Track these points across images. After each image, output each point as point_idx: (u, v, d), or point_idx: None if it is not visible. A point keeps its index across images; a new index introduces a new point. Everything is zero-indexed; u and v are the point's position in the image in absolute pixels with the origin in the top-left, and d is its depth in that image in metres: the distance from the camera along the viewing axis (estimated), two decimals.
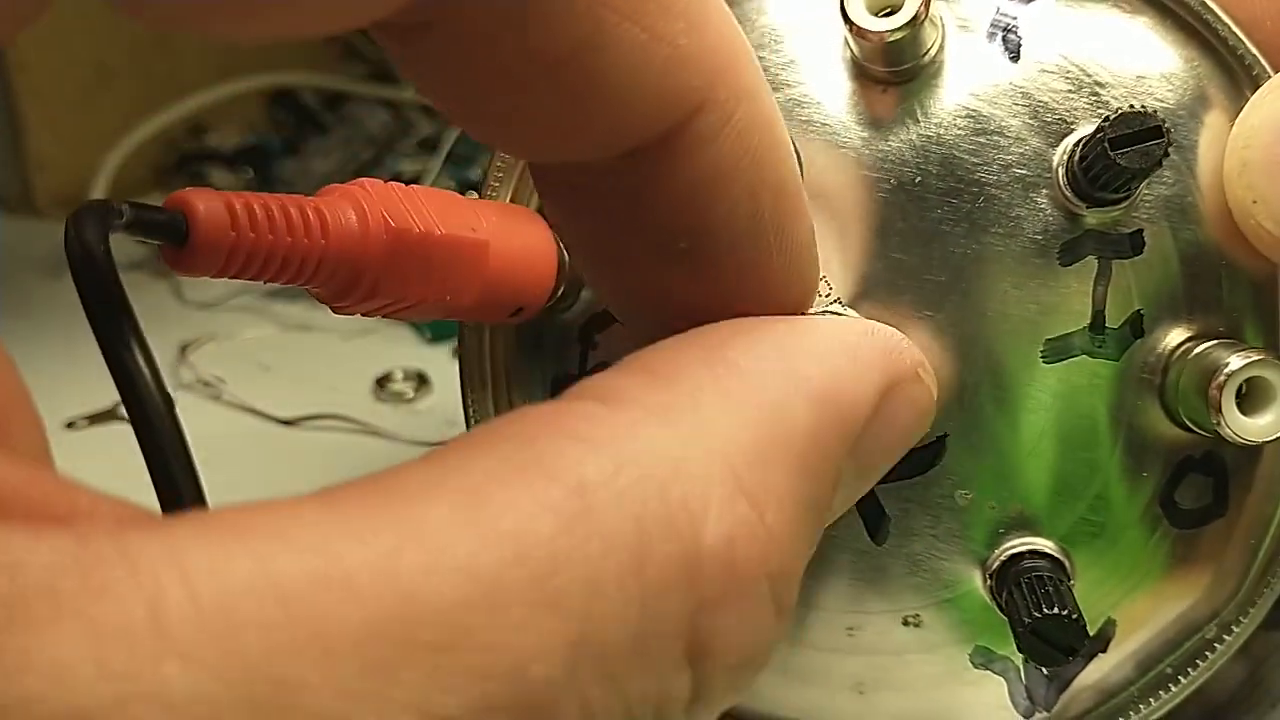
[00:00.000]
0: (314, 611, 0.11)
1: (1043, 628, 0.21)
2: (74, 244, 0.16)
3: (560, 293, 0.24)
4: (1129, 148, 0.21)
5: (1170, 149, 0.21)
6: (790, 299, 0.19)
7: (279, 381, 0.50)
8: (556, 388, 0.25)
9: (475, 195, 0.26)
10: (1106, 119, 0.21)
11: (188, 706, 0.10)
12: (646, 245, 0.18)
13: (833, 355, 0.18)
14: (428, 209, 0.21)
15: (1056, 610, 0.21)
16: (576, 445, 0.14)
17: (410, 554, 0.12)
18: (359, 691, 0.11)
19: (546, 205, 0.20)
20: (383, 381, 0.49)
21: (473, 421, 0.26)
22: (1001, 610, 0.23)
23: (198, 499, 0.16)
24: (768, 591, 0.15)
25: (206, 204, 0.18)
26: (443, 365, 0.50)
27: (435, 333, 0.52)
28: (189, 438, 0.16)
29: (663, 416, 0.15)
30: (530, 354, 0.26)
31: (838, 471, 0.17)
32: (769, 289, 0.19)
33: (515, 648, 0.12)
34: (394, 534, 0.12)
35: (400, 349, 0.51)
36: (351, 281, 0.20)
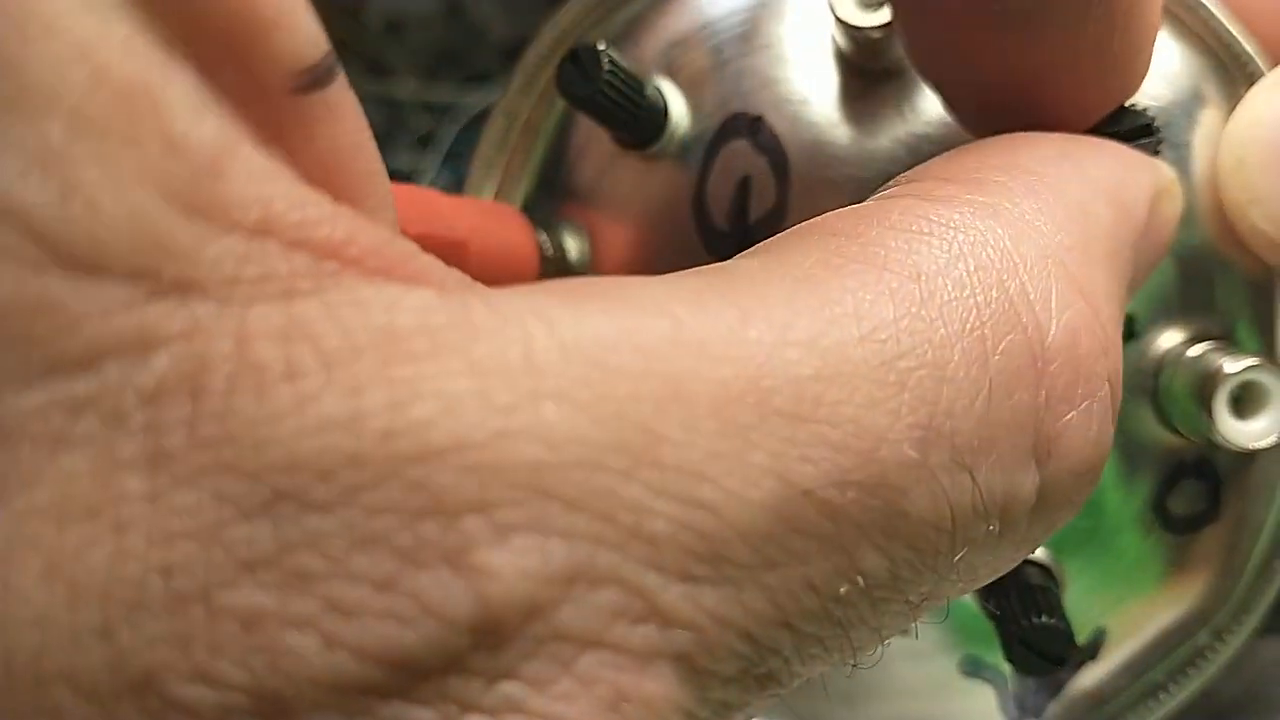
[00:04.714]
0: (673, 369, 0.11)
1: (1030, 636, 0.21)
2: None
3: None
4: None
5: (1164, 147, 0.21)
6: (1117, 85, 0.18)
7: None
8: None
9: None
10: None
11: (566, 445, 0.11)
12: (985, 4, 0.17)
13: (1110, 158, 0.17)
14: (402, 207, 0.21)
15: (1044, 618, 0.21)
16: (905, 236, 0.14)
17: (756, 327, 0.12)
18: (719, 451, 0.11)
19: None
20: None
21: None
22: (989, 618, 0.22)
23: None
24: (1109, 396, 0.14)
25: None
26: None
27: None
28: None
29: (986, 212, 0.14)
30: None
31: (1132, 273, 0.16)
32: (1101, 71, 0.17)
33: (866, 425, 0.12)
34: (737, 310, 0.12)
35: None
36: None
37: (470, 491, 0.10)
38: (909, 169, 0.22)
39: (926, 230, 0.14)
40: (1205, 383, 0.21)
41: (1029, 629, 0.21)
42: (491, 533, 0.10)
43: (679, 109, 0.24)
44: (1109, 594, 0.23)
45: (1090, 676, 0.24)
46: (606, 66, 0.22)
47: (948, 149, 0.22)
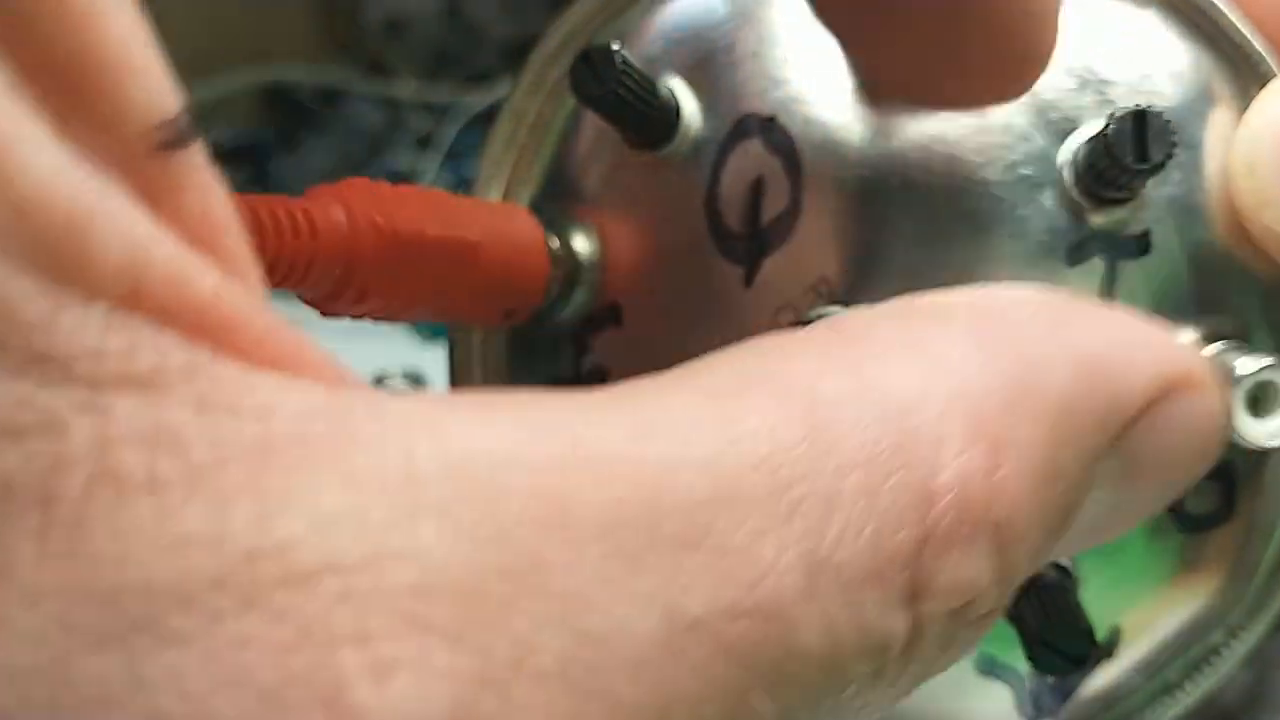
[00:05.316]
0: (564, 488, 0.11)
1: (1052, 638, 0.21)
2: None
3: (553, 294, 0.24)
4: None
5: (1177, 148, 0.21)
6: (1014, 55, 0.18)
7: None
8: None
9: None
10: (1112, 116, 0.21)
11: (446, 569, 0.10)
12: None
13: (1106, 328, 0.17)
14: (417, 209, 0.21)
15: (1066, 620, 0.21)
16: (812, 365, 0.14)
17: (655, 444, 0.12)
18: (608, 577, 0.11)
19: None
20: (380, 382, 0.48)
21: None
22: (1008, 619, 0.22)
23: None
24: (989, 544, 0.14)
25: None
26: (440, 365, 0.49)
27: (433, 331, 0.52)
28: None
29: (904, 351, 0.15)
30: (522, 357, 0.25)
31: (1093, 454, 0.16)
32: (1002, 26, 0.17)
33: (756, 554, 0.12)
34: (636, 424, 0.12)
35: (397, 348, 0.51)
36: (341, 285, 0.20)
37: (344, 621, 0.10)
38: (920, 168, 0.23)
39: (833, 365, 0.14)
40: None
41: (1049, 629, 0.21)
42: (369, 671, 0.10)
43: (691, 109, 0.24)
44: (1124, 592, 0.23)
45: (1105, 675, 0.24)
46: (620, 66, 0.22)
47: (959, 150, 0.23)
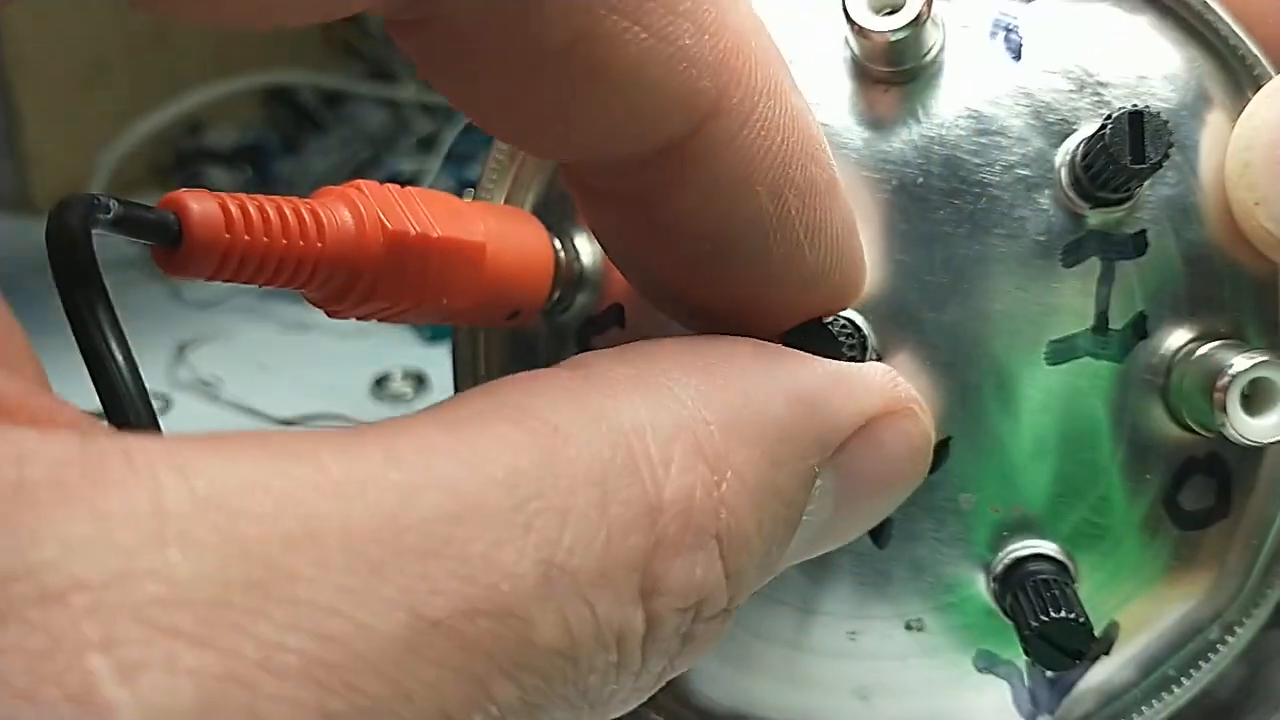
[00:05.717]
0: (307, 511, 0.12)
1: (1050, 631, 0.21)
2: (55, 231, 0.16)
3: (556, 296, 0.24)
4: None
5: (1172, 149, 0.21)
6: (829, 292, 0.20)
7: (277, 381, 0.50)
8: None
9: (473, 194, 0.26)
10: (1109, 117, 0.21)
11: (190, 583, 0.11)
12: (673, 245, 0.19)
13: (822, 368, 0.19)
14: (424, 211, 0.21)
15: (1063, 614, 0.21)
16: (553, 398, 0.16)
17: (399, 469, 0.13)
18: (350, 586, 0.12)
19: (576, 201, 0.21)
20: (381, 382, 0.49)
21: None
22: (1006, 614, 0.22)
23: None
24: (716, 549, 0.16)
25: (200, 205, 0.18)
26: (442, 365, 0.49)
27: (435, 332, 0.52)
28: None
29: (634, 386, 0.16)
30: (525, 358, 0.26)
31: (809, 473, 0.18)
32: (805, 283, 0.20)
33: (494, 560, 0.13)
34: (385, 452, 0.13)
35: (399, 349, 0.51)
36: (347, 285, 0.20)
37: (92, 631, 0.11)
38: (920, 171, 0.23)
39: (570, 396, 0.16)
40: (1216, 379, 0.21)
41: (1049, 624, 0.21)
42: (116, 671, 0.11)
43: None
44: (1120, 589, 0.23)
45: (1102, 671, 0.24)
46: None
47: (958, 151, 0.23)
